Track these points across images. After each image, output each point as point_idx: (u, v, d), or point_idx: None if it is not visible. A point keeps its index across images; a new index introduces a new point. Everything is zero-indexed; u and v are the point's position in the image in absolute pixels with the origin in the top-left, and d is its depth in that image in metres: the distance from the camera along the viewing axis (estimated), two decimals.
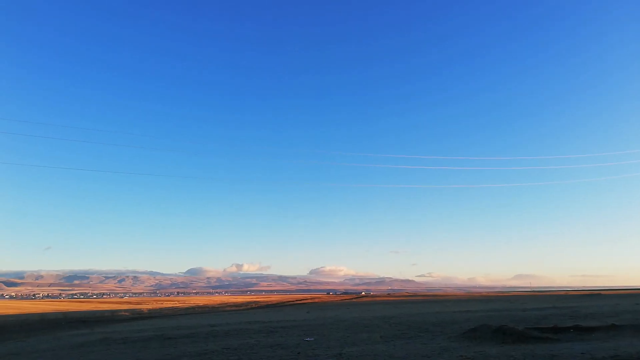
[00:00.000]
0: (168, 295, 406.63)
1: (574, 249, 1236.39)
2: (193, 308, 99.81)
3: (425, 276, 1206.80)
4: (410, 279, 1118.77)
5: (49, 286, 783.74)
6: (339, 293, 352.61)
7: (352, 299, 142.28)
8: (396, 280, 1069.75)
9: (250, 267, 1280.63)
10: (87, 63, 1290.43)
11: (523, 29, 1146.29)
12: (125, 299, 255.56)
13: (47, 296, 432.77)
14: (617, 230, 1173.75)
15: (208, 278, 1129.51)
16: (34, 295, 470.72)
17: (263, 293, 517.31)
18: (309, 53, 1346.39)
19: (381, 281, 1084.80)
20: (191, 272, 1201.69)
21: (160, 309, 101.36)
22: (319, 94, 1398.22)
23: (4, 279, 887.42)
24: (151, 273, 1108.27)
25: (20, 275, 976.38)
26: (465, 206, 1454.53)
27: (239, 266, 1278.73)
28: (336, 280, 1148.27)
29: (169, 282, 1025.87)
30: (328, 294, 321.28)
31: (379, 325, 26.84)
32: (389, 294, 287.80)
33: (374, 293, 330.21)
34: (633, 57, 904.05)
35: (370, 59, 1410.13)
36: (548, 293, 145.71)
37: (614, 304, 46.28)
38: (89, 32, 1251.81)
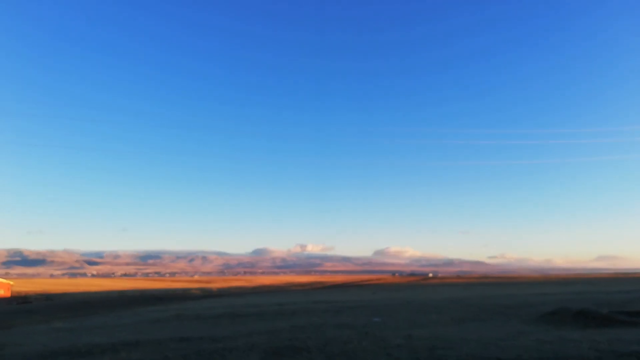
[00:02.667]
0: (235, 275, 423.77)
1: None
2: (260, 287, 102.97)
3: (497, 258, 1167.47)
4: (480, 260, 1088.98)
5: (125, 265, 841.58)
6: (405, 274, 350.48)
7: (418, 280, 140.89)
8: (465, 261, 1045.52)
9: (314, 248, 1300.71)
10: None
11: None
12: (196, 277, 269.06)
13: (125, 275, 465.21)
14: None
15: (273, 258, 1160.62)
16: (112, 273, 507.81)
17: (327, 273, 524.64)
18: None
19: (449, 263, 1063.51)
20: (257, 252, 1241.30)
21: (229, 287, 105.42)
22: (379, 75, 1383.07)
23: (86, 258, 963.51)
24: (219, 253, 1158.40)
25: (100, 254, 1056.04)
26: (541, 183, 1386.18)
27: (303, 246, 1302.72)
28: (401, 262, 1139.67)
29: (236, 261, 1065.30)
30: (393, 275, 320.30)
31: (448, 307, 26.17)
32: (458, 275, 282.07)
33: (442, 275, 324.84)
34: None
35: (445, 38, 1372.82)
36: (635, 275, 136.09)
37: None
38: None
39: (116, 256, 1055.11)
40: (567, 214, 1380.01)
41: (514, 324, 17.69)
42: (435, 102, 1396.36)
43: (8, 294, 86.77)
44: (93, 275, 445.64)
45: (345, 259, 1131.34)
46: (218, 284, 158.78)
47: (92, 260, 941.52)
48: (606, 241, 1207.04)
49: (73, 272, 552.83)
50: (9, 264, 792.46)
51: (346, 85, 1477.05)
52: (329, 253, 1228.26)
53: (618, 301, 26.45)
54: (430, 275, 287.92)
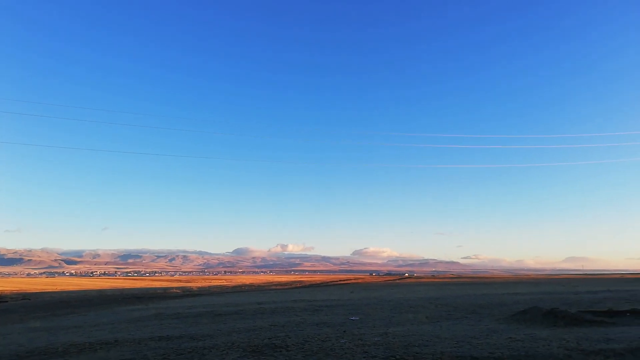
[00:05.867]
0: (216, 274, 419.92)
1: (632, 230, 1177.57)
2: (240, 286, 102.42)
3: (471, 258, 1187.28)
4: (455, 260, 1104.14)
5: (105, 264, 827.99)
6: (383, 274, 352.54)
7: (395, 280, 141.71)
8: (441, 262, 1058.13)
9: (294, 248, 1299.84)
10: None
11: None
12: (176, 277, 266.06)
13: (104, 274, 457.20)
14: None
15: (253, 258, 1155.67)
16: (91, 272, 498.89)
17: (307, 273, 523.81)
18: (348, 33, 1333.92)
19: (425, 263, 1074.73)
20: (237, 252, 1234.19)
21: (209, 287, 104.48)
22: (358, 72, 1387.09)
23: (64, 257, 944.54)
24: (200, 253, 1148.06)
25: (79, 254, 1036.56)
26: (513, 187, 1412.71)
27: (284, 246, 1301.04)
28: (379, 262, 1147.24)
29: (217, 261, 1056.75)
30: (371, 274, 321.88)
31: (424, 306, 26.61)
32: (433, 275, 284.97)
33: (418, 274, 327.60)
34: None
35: (410, 38, 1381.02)
36: (602, 276, 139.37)
37: None
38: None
39: (96, 255, 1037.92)
40: (538, 216, 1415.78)
41: (487, 323, 18.11)
42: (421, 108, 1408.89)
43: None
44: (71, 275, 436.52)
45: (325, 259, 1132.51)
46: (198, 283, 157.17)
47: (71, 259, 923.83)
48: (575, 243, 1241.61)
49: (51, 272, 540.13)
50: None
51: (339, 82, 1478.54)
52: (309, 253, 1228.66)
53: (586, 301, 27.13)
54: (407, 275, 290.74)
